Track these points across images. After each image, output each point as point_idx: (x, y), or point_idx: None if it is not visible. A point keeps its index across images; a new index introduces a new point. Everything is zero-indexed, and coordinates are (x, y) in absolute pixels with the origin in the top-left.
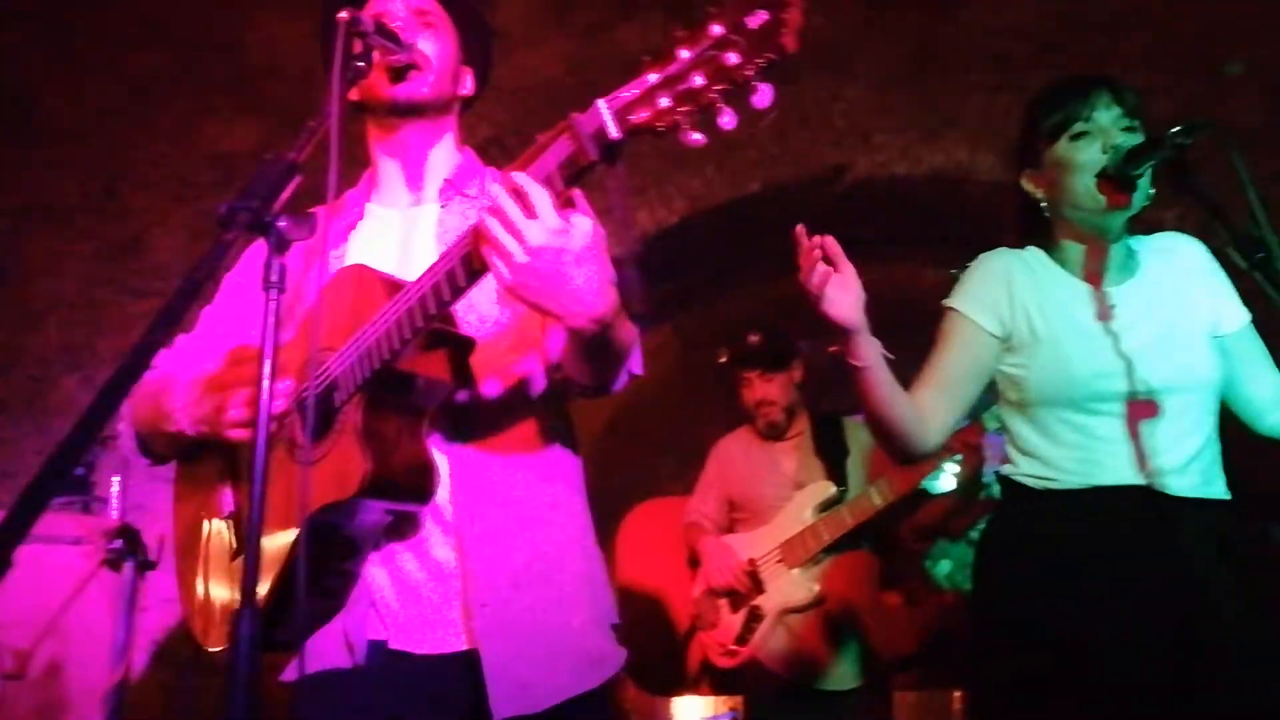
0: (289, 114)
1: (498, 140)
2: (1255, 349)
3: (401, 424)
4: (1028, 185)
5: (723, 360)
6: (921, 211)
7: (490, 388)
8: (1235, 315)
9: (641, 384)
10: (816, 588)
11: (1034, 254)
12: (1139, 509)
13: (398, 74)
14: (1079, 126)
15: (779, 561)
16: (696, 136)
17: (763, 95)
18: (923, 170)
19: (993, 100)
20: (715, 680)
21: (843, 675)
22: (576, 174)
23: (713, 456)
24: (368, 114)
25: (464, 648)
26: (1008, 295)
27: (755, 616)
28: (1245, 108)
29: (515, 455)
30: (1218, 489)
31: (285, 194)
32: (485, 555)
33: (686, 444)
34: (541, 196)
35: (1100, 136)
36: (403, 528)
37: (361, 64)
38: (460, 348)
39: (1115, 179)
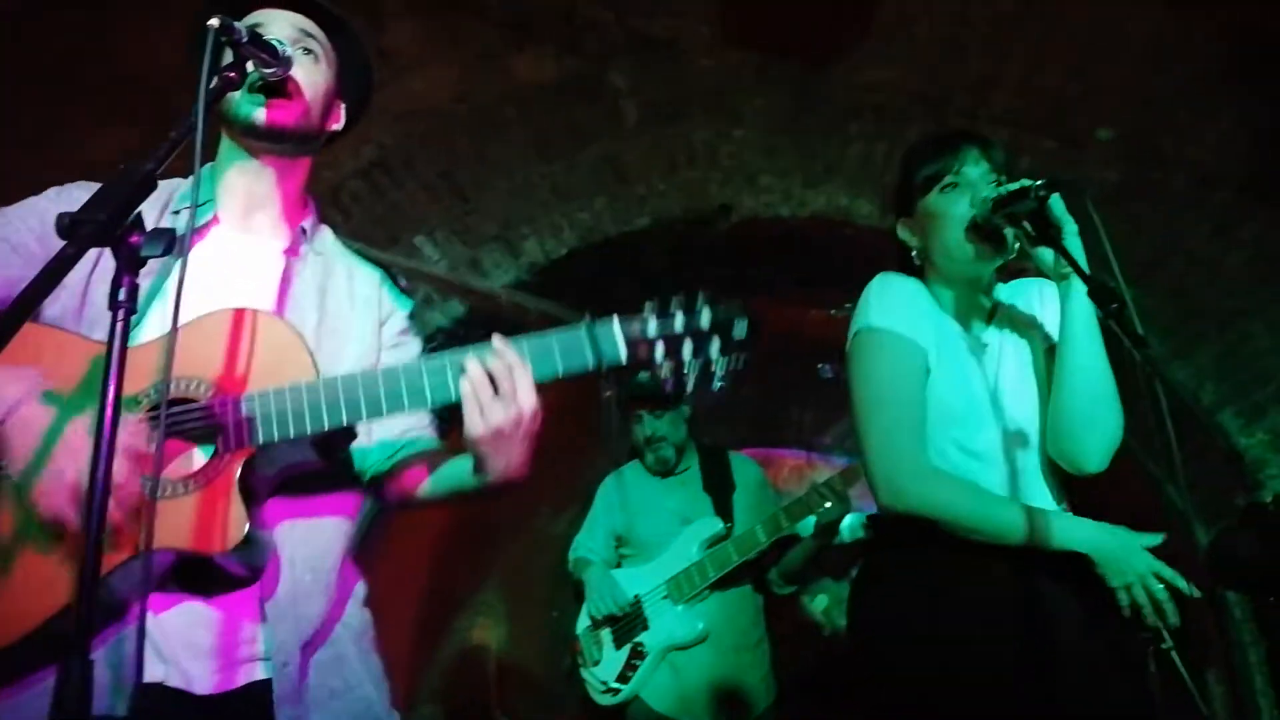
0: (160, 124)
1: (382, 163)
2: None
3: (262, 488)
4: (903, 233)
5: (608, 395)
6: (804, 252)
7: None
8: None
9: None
10: (701, 625)
11: (919, 283)
12: (1015, 554)
13: (267, 93)
14: (949, 179)
15: (664, 598)
16: (669, 387)
17: (719, 382)
18: (805, 213)
19: (870, 149)
20: (596, 719)
21: (727, 713)
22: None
23: (601, 491)
24: (226, 127)
25: (257, 678)
26: (921, 312)
27: (638, 653)
28: (1099, 165)
29: (329, 524)
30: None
31: (139, 206)
32: (289, 616)
33: (571, 478)
34: (528, 377)
35: (969, 190)
36: (204, 578)
37: (232, 74)
38: (349, 436)
39: (982, 230)
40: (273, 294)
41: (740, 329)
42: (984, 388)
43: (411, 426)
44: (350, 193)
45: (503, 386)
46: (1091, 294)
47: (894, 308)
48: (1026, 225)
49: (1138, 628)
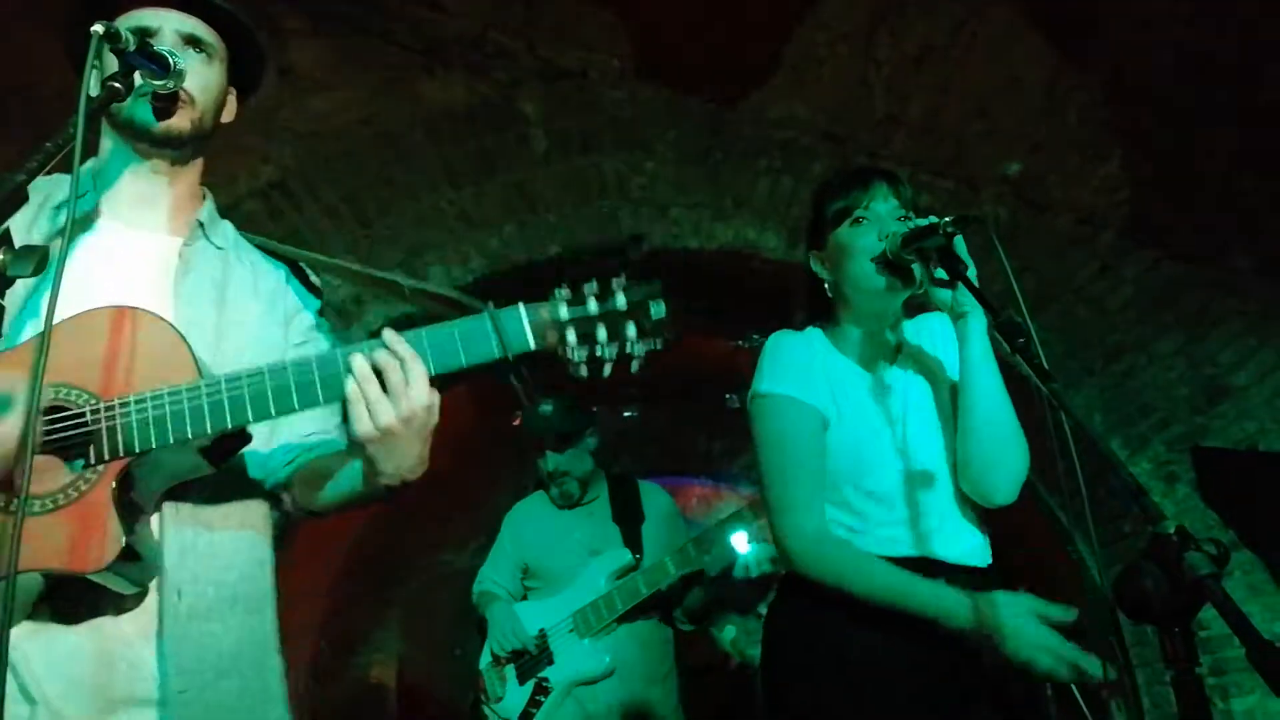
0: (42, 134)
1: (281, 185)
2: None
3: (145, 500)
4: (815, 265)
5: (516, 424)
6: (712, 283)
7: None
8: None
9: (436, 445)
10: (608, 659)
11: (816, 335)
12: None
13: (160, 104)
14: (859, 214)
15: (571, 631)
16: (583, 372)
17: (636, 364)
18: (714, 245)
19: (778, 183)
20: None
21: None
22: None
23: (507, 522)
24: (116, 129)
25: None
26: (815, 371)
27: (543, 689)
28: (993, 204)
29: (229, 535)
30: (986, 557)
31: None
32: (190, 635)
33: (477, 509)
34: (421, 372)
35: (877, 224)
36: (81, 603)
37: (118, 85)
38: (241, 439)
39: (890, 264)
40: (167, 290)
41: (658, 310)
42: (888, 429)
43: (317, 430)
44: (245, 214)
45: (391, 381)
46: (998, 328)
47: (785, 371)
48: (933, 260)
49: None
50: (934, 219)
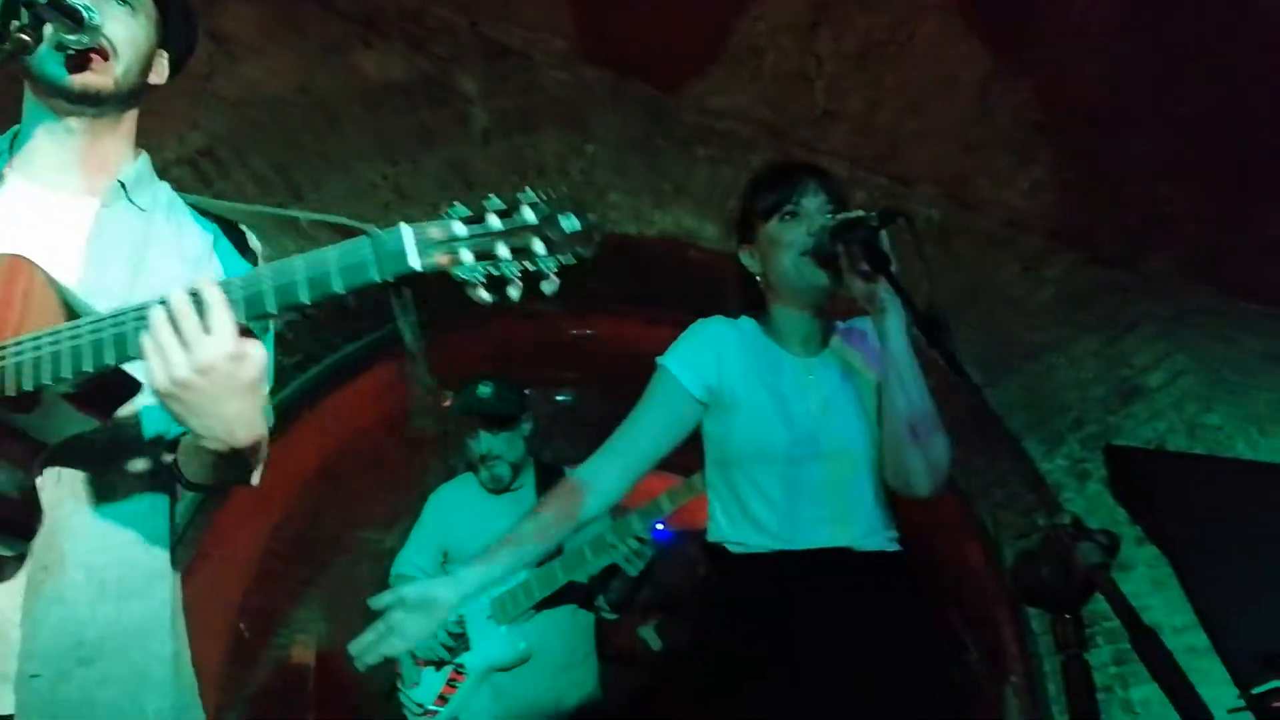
0: None
1: (210, 153)
2: None
3: (24, 450)
4: (745, 258)
5: (447, 404)
6: (650, 271)
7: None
8: None
9: (361, 426)
10: (524, 645)
11: (746, 322)
12: (835, 572)
13: (75, 58)
14: (789, 208)
15: (489, 618)
16: (484, 295)
17: (550, 284)
18: (652, 231)
19: (717, 173)
20: None
21: None
22: (357, 289)
23: (430, 504)
24: (30, 84)
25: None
26: (716, 359)
27: (459, 674)
28: (924, 203)
29: (109, 511)
30: (895, 543)
31: None
32: (51, 619)
33: (405, 488)
34: (224, 316)
35: (806, 219)
36: None
37: (26, 37)
38: (128, 389)
39: (817, 257)
40: (79, 250)
41: (569, 223)
42: (805, 417)
43: None
44: (173, 179)
45: (184, 329)
46: (918, 323)
47: (684, 349)
48: (857, 255)
49: None
50: (860, 213)
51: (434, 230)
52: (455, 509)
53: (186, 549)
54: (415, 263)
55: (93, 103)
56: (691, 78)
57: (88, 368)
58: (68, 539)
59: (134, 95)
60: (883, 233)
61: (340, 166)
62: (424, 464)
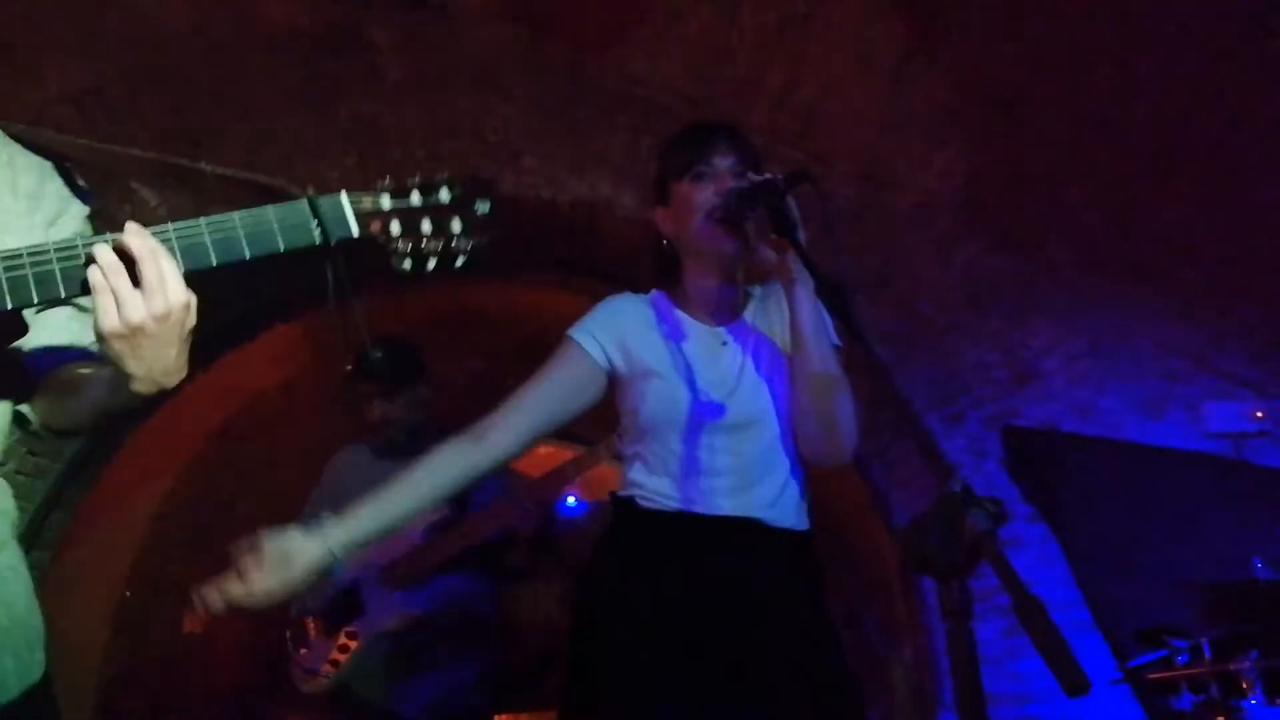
0: None
1: (99, 90)
2: None
3: None
4: (659, 222)
5: (349, 369)
6: (562, 237)
7: None
8: None
9: (265, 386)
10: (415, 611)
11: (657, 296)
12: (739, 540)
13: None
14: (699, 168)
15: (382, 583)
16: (406, 265)
17: (464, 261)
18: (567, 198)
19: (636, 141)
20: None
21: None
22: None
23: (327, 470)
24: None
25: None
26: (619, 331)
27: (350, 639)
28: (841, 182)
29: None
30: (804, 520)
31: None
32: None
33: (309, 453)
34: (172, 266)
35: (715, 180)
36: None
37: None
38: (17, 333)
39: (725, 223)
40: None
41: (483, 207)
42: (713, 386)
43: (71, 341)
44: (55, 119)
45: (146, 274)
46: (819, 289)
47: (589, 321)
48: (765, 219)
49: None
50: (768, 175)
51: (367, 200)
52: (349, 473)
53: (63, 513)
54: (353, 229)
55: None
56: (612, 43)
57: (3, 305)
58: None
59: None
60: (789, 198)
61: (239, 114)
62: (327, 432)
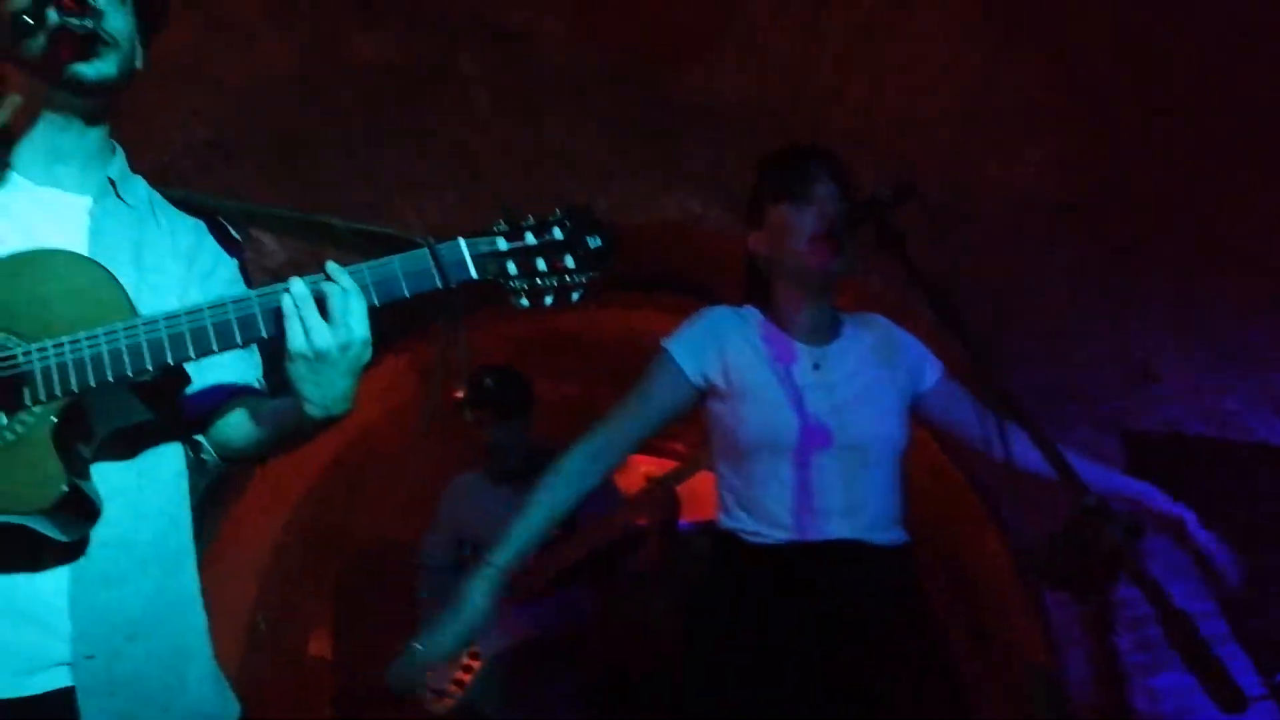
0: None
1: (217, 143)
2: (955, 393)
3: (85, 448)
4: (754, 244)
5: (459, 396)
6: (652, 256)
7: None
8: (932, 370)
9: (374, 417)
10: (534, 628)
11: (751, 311)
12: (847, 564)
13: (84, 47)
14: (798, 194)
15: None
16: (524, 302)
17: (578, 294)
18: (657, 216)
19: (720, 156)
20: None
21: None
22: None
23: (444, 499)
24: (21, 69)
25: (61, 685)
26: (718, 348)
27: (473, 658)
28: (935, 186)
29: (144, 493)
30: (903, 533)
31: None
32: (99, 601)
33: (418, 481)
34: (362, 304)
35: (816, 204)
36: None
37: (28, 20)
38: (179, 381)
39: (827, 241)
40: (81, 248)
41: (594, 241)
42: (817, 408)
43: (239, 379)
44: (180, 173)
45: (332, 307)
46: (932, 301)
47: (686, 335)
48: (869, 234)
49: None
50: (874, 193)
51: (483, 244)
52: (467, 500)
53: (203, 538)
54: (472, 272)
55: (97, 93)
56: (693, 59)
57: (192, 354)
58: (110, 521)
59: (125, 84)
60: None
61: (345, 153)
62: (438, 457)
